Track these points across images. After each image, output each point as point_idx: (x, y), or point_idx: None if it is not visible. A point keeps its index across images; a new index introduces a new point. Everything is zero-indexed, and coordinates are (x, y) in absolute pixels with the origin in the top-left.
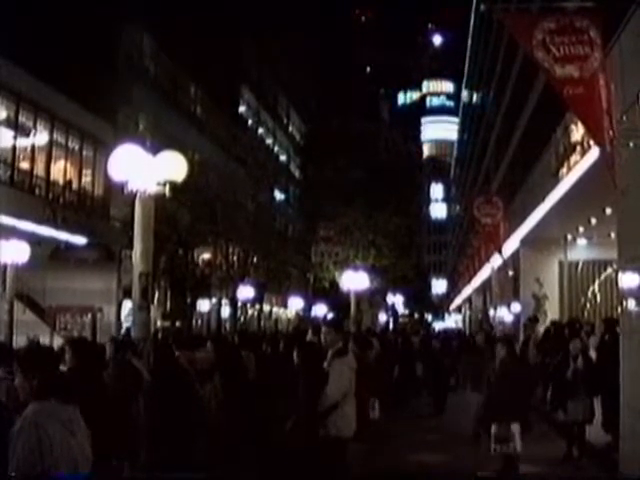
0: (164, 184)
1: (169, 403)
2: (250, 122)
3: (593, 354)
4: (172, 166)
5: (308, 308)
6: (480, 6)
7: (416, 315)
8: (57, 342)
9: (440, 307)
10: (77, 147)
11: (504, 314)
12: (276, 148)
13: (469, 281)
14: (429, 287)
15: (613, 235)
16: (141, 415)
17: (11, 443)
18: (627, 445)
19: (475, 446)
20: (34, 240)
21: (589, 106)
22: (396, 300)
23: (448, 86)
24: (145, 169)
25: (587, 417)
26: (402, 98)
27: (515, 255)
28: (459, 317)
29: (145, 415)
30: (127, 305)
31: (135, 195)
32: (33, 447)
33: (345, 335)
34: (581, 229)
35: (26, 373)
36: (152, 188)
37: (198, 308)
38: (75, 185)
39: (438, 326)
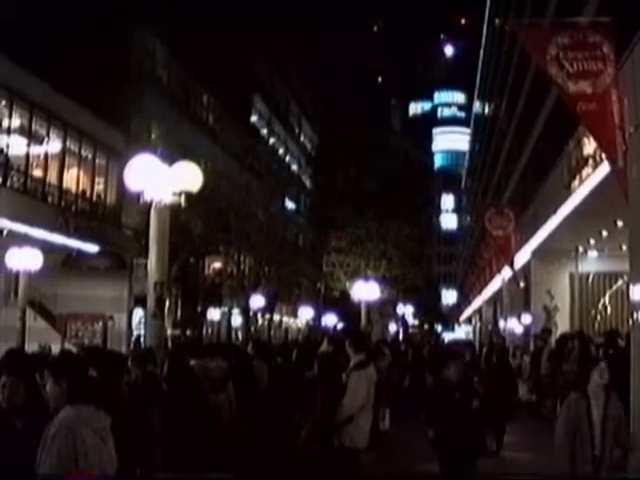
0: (180, 194)
1: (183, 412)
2: (262, 131)
3: None
4: (188, 176)
5: (318, 318)
6: (494, 18)
7: (426, 326)
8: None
9: (450, 318)
10: (90, 155)
11: (514, 326)
12: (288, 157)
13: (480, 292)
14: (439, 298)
15: (624, 247)
16: (156, 423)
17: (44, 447)
18: (637, 457)
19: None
20: (46, 248)
21: (602, 122)
22: (406, 311)
23: (460, 97)
24: (161, 179)
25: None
26: (413, 108)
27: (526, 267)
28: (469, 328)
29: (159, 423)
30: (138, 313)
31: (150, 204)
32: (69, 453)
33: (367, 347)
34: (592, 241)
35: (57, 378)
36: (168, 198)
37: (209, 317)
38: (88, 193)
39: (448, 337)
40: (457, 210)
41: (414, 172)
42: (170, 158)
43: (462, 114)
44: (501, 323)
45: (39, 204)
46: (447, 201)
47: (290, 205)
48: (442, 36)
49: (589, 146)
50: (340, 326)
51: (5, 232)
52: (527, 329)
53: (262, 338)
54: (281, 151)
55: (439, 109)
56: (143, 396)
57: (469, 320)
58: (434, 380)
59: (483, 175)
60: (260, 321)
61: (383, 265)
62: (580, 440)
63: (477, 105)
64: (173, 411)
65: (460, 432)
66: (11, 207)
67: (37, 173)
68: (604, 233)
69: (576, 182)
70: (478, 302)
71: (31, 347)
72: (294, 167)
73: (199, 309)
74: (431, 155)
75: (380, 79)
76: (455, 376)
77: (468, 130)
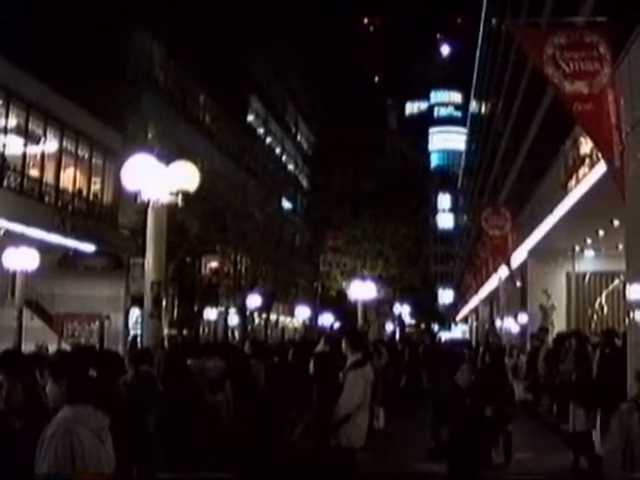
0: (177, 194)
1: (180, 411)
2: (259, 131)
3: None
4: (185, 176)
5: (315, 317)
6: (490, 17)
7: (422, 325)
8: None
9: (447, 317)
10: (86, 155)
11: (511, 325)
12: (284, 157)
13: (476, 292)
14: (435, 297)
15: (620, 247)
16: (153, 423)
17: (41, 446)
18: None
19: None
20: (43, 247)
21: (598, 122)
22: (403, 310)
23: (456, 96)
24: (158, 179)
25: (590, 428)
26: (410, 108)
27: (523, 266)
28: (466, 327)
29: (157, 423)
30: (135, 313)
31: (146, 204)
32: (66, 453)
33: (364, 346)
34: (589, 241)
35: (57, 378)
36: (165, 198)
37: (205, 316)
38: (84, 193)
39: (444, 336)
40: (454, 209)
41: (410, 172)
42: (167, 158)
43: (458, 114)
44: (498, 322)
45: (36, 204)
46: (443, 200)
47: (287, 205)
48: (438, 36)
49: (586, 145)
50: (337, 326)
51: (2, 232)
52: (524, 328)
53: (259, 338)
54: (278, 151)
55: (435, 109)
56: (139, 396)
57: (465, 319)
58: (443, 381)
59: (480, 174)
60: (257, 321)
61: (380, 265)
62: (630, 453)
63: (473, 104)
64: (170, 411)
65: (466, 442)
66: (8, 207)
67: (34, 173)
68: (601, 232)
69: (573, 182)
70: (475, 301)
71: (28, 347)
72: (291, 167)
73: (196, 309)
74: (427, 155)
75: (377, 79)
76: (465, 380)
77: (464, 130)
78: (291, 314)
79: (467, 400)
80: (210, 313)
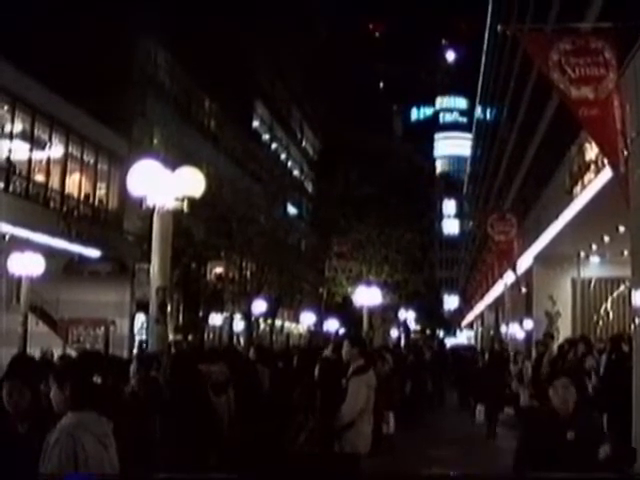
0: (182, 199)
1: (188, 410)
2: (264, 137)
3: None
4: (190, 181)
5: (320, 323)
6: (495, 23)
7: (428, 331)
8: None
9: (452, 323)
10: (92, 160)
11: (516, 331)
12: (290, 163)
13: (481, 297)
14: (441, 303)
15: (626, 253)
16: (159, 426)
17: (45, 452)
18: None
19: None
20: (48, 253)
21: (604, 127)
22: (408, 316)
23: (461, 102)
24: (164, 184)
25: None
26: (415, 114)
27: (528, 272)
28: (471, 333)
29: (161, 426)
30: (140, 318)
31: (152, 210)
32: (69, 459)
33: (367, 352)
34: (594, 247)
35: (61, 384)
36: (170, 203)
37: (211, 322)
38: (90, 198)
39: (449, 342)
40: (459, 215)
41: (416, 177)
42: (172, 163)
43: (464, 119)
44: (503, 328)
45: (41, 209)
46: (449, 206)
47: (292, 210)
48: (444, 41)
49: (591, 151)
50: (342, 331)
51: (7, 237)
52: (529, 334)
53: (264, 343)
54: (283, 156)
55: (441, 114)
56: (144, 401)
57: (471, 325)
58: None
59: (485, 180)
60: (262, 326)
61: (385, 270)
62: None
63: (479, 110)
64: (177, 409)
65: None
66: (13, 212)
67: (39, 178)
68: (606, 238)
69: (578, 187)
70: (480, 307)
71: (33, 352)
72: (296, 172)
73: (201, 314)
74: (433, 160)
75: (382, 84)
76: (565, 403)
77: (470, 135)
78: (296, 320)
79: (569, 435)
80: (215, 319)
